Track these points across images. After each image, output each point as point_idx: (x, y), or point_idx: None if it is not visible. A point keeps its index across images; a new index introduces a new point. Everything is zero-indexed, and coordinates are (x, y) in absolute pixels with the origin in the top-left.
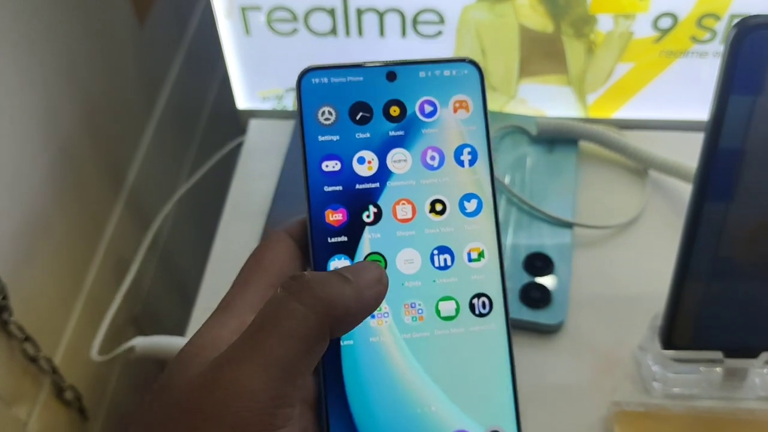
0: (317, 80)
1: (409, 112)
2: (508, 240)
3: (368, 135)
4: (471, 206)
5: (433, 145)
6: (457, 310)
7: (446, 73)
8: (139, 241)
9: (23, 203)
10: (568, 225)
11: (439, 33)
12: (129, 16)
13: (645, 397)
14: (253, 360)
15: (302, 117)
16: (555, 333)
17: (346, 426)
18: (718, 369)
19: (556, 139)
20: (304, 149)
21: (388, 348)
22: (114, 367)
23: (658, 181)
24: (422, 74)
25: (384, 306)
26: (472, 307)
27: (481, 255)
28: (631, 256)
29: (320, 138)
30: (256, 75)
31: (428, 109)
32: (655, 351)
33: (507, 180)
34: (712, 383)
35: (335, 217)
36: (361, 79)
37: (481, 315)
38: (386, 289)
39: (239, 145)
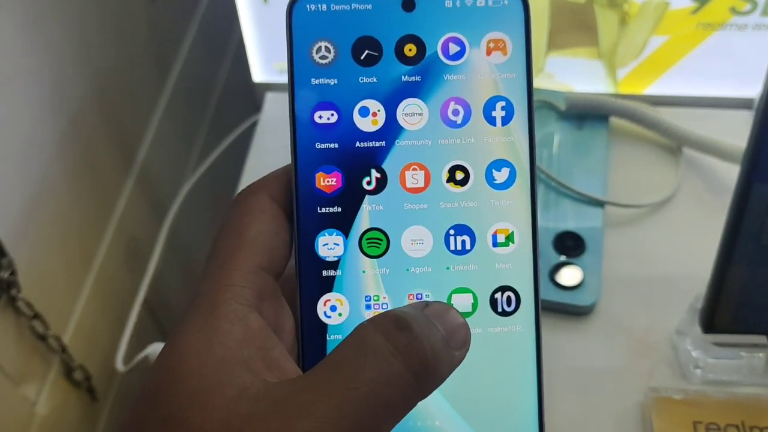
0: (313, 7)
1: (428, 53)
2: (538, 219)
3: (375, 79)
4: (501, 176)
5: (458, 96)
6: (475, 306)
7: (480, 3)
8: (149, 219)
9: (32, 178)
10: (600, 204)
11: None
12: None
13: (682, 382)
14: (336, 424)
15: (292, 53)
16: (587, 315)
17: None
18: (761, 354)
19: (586, 115)
20: (292, 94)
21: None
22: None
23: (693, 159)
24: (449, 4)
25: (383, 296)
26: (493, 302)
27: (509, 239)
28: (666, 236)
29: (313, 81)
30: (273, 46)
31: (454, 49)
32: (694, 335)
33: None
34: (754, 369)
35: (328, 181)
36: (370, 6)
37: (504, 313)
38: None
39: (256, 118)
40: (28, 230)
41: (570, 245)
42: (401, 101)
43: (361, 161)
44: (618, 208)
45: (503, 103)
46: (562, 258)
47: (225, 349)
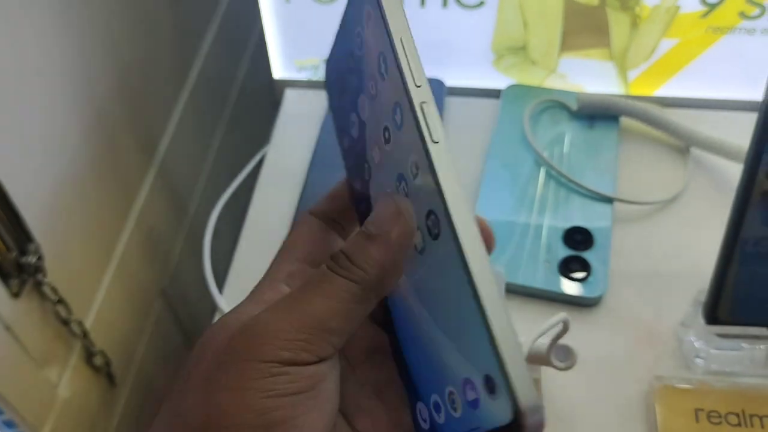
0: (332, 57)
1: (356, 53)
2: (547, 215)
3: (349, 97)
4: (398, 117)
5: (369, 74)
6: (423, 239)
7: None
8: (169, 211)
9: (59, 168)
10: (609, 200)
11: (482, 3)
12: None
13: (686, 372)
14: (285, 310)
15: (331, 107)
16: (595, 306)
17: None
18: (762, 346)
19: (597, 114)
20: (337, 134)
21: (406, 300)
22: (143, 335)
23: (700, 158)
24: (351, 5)
25: None
26: (429, 229)
27: (417, 167)
28: (672, 232)
29: (338, 123)
30: (294, 44)
31: (358, 39)
32: (698, 327)
33: (546, 154)
34: (756, 360)
35: (358, 190)
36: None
37: (435, 236)
38: (409, 218)
39: (274, 115)
40: (54, 218)
41: (579, 240)
42: (356, 100)
43: (359, 163)
44: (627, 204)
45: (382, 57)
46: (572, 252)
47: (257, 305)
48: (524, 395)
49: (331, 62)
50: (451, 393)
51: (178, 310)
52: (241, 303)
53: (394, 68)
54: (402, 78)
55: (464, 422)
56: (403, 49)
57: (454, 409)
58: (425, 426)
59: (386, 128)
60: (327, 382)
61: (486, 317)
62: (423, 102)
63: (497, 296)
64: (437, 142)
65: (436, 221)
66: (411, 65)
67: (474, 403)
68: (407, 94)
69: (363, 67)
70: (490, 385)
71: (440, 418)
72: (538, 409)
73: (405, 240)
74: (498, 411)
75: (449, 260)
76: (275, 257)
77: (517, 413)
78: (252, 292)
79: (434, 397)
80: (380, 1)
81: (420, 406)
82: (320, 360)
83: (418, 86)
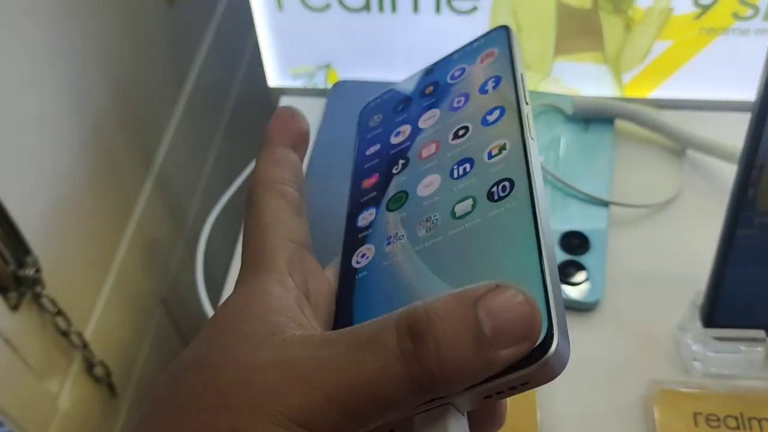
0: (373, 104)
1: (441, 83)
2: None
3: (405, 116)
4: (492, 117)
5: (460, 92)
6: (474, 205)
7: (476, 44)
8: (167, 221)
9: (56, 180)
10: (604, 204)
11: (474, 9)
12: None
13: (684, 376)
14: (326, 398)
15: (358, 136)
16: (592, 311)
17: None
18: (760, 348)
19: (592, 118)
20: (356, 152)
21: (398, 267)
22: (143, 345)
23: (696, 161)
24: (455, 56)
25: (400, 232)
26: (490, 195)
27: (502, 149)
28: (669, 235)
29: (368, 136)
30: (288, 52)
31: (457, 73)
32: (695, 330)
33: (541, 159)
34: (753, 363)
35: (370, 181)
36: (405, 86)
37: (499, 198)
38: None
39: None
40: (51, 230)
41: (575, 244)
42: (422, 115)
43: (392, 160)
44: (623, 208)
45: (493, 79)
46: (568, 256)
47: (264, 305)
48: (560, 327)
49: (370, 107)
50: None
51: (177, 319)
52: (238, 293)
53: (507, 87)
54: (516, 94)
55: None
56: (522, 79)
57: None
58: None
59: (464, 127)
60: None
61: (543, 268)
62: (528, 113)
63: (552, 249)
64: (533, 139)
65: (507, 187)
66: (525, 90)
67: None
68: (518, 103)
69: (444, 93)
70: None
71: None
72: (567, 344)
73: (516, 358)
74: None
75: (512, 215)
76: (255, 240)
77: (548, 336)
78: (251, 279)
79: None
80: (512, 48)
81: None
82: None
83: (527, 103)
